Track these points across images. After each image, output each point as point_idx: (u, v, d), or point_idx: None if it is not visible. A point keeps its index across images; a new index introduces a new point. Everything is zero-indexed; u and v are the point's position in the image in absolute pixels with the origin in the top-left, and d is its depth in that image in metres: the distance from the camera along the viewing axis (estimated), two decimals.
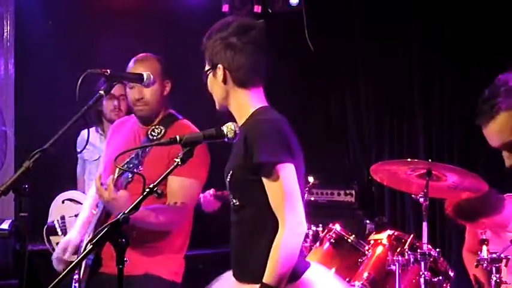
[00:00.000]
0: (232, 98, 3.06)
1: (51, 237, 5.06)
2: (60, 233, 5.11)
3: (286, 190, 2.86)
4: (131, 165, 3.64)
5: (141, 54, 3.79)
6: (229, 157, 3.05)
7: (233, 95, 3.05)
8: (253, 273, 2.89)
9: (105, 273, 3.63)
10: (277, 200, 2.86)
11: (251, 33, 3.12)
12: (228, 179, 2.99)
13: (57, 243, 5.06)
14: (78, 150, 5.07)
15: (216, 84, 3.06)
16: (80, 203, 5.08)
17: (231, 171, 2.98)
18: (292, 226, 2.85)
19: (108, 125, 5.10)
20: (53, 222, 5.12)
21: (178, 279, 3.69)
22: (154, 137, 3.72)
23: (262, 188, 2.88)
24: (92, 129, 5.19)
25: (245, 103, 3.06)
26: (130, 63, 3.76)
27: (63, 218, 5.11)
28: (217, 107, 3.11)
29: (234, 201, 3.00)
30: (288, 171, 2.87)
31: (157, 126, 3.76)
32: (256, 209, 2.93)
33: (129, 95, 3.77)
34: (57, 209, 5.15)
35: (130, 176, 3.61)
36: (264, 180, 2.87)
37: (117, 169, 3.53)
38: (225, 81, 3.03)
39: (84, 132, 5.01)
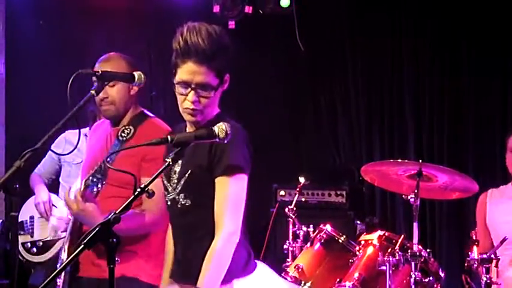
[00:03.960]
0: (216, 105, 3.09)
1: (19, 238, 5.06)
2: (26, 232, 5.10)
3: (238, 198, 2.92)
4: (100, 170, 3.62)
5: (105, 55, 3.74)
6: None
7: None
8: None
9: (84, 278, 3.63)
10: (224, 205, 2.90)
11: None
12: (185, 179, 2.99)
13: (21, 243, 5.07)
14: (57, 150, 4.97)
15: (217, 95, 3.03)
16: (54, 205, 5.08)
17: (189, 171, 2.98)
18: (230, 234, 2.90)
19: None
20: (21, 221, 5.10)
21: (157, 282, 3.63)
22: (124, 138, 3.66)
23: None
24: (76, 133, 5.13)
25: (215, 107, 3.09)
26: (96, 65, 3.69)
27: (32, 218, 5.09)
28: (200, 120, 3.01)
29: (184, 201, 3.00)
30: (245, 182, 2.95)
31: (127, 127, 3.71)
32: (211, 210, 2.94)
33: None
34: (28, 208, 5.13)
35: (99, 184, 3.60)
36: (221, 181, 2.90)
37: (84, 180, 3.55)
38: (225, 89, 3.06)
39: (65, 134, 4.98)
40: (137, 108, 3.77)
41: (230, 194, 2.91)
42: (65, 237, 4.92)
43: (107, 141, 3.75)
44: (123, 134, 3.69)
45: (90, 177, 3.57)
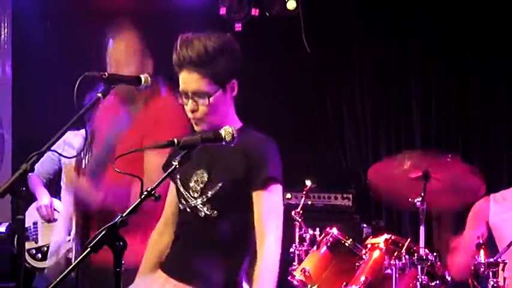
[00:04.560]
0: (230, 115, 3.11)
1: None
2: (30, 239, 5.07)
3: (278, 209, 3.00)
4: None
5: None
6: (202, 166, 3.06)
7: (232, 111, 3.12)
8: (200, 277, 3.00)
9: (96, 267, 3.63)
10: (267, 215, 2.96)
11: (237, 47, 3.11)
12: (215, 190, 3.01)
13: (27, 249, 5.04)
14: (59, 150, 4.97)
15: (225, 101, 3.06)
16: (56, 210, 5.06)
17: (220, 183, 3.00)
18: (278, 238, 2.96)
19: None
20: (25, 227, 5.07)
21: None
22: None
23: (250, 205, 2.96)
24: (76, 134, 5.12)
25: (232, 119, 3.12)
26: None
27: (35, 224, 5.04)
28: (205, 128, 3.03)
29: (210, 212, 3.03)
30: (281, 192, 3.03)
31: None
32: (239, 224, 3.00)
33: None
34: (31, 214, 5.11)
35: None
36: (261, 194, 2.95)
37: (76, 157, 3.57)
38: (235, 95, 3.09)
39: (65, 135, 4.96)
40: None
41: (271, 205, 2.97)
42: (69, 241, 4.94)
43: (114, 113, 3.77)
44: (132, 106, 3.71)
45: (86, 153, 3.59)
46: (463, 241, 4.57)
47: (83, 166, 3.58)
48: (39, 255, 5.00)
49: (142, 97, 3.76)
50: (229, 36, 3.11)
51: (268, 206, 2.96)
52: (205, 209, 3.03)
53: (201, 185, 3.05)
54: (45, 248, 4.99)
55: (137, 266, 3.30)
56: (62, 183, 5.19)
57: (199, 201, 3.05)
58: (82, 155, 3.65)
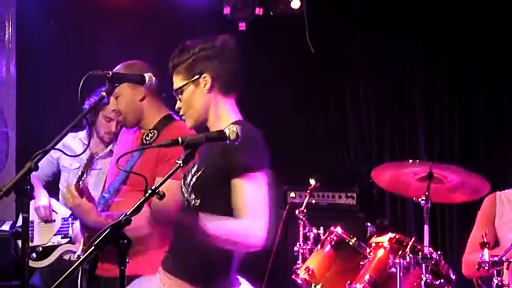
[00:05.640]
0: (214, 108, 3.10)
1: (18, 242, 5.01)
2: None
3: (255, 198, 2.91)
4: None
5: (128, 62, 3.77)
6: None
7: (215, 105, 3.10)
8: (195, 274, 2.98)
9: (101, 277, 3.63)
10: (243, 206, 2.90)
11: (229, 46, 3.12)
12: (196, 177, 3.01)
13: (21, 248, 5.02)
14: (54, 154, 4.97)
15: (198, 95, 3.09)
16: (54, 211, 5.04)
17: (200, 171, 3.00)
18: (260, 229, 2.88)
19: (97, 141, 5.06)
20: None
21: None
22: (148, 141, 3.71)
23: (227, 192, 2.93)
24: (74, 137, 5.11)
25: (225, 114, 3.11)
26: (118, 68, 3.74)
27: (32, 223, 5.02)
28: (190, 124, 3.13)
29: (194, 202, 3.02)
30: (260, 180, 2.93)
31: (151, 130, 3.75)
32: (221, 213, 2.94)
33: (108, 110, 3.77)
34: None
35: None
36: (235, 183, 2.90)
37: (80, 174, 3.57)
38: (210, 89, 3.07)
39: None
40: (163, 111, 3.79)
41: (250, 193, 2.90)
42: (65, 243, 4.94)
43: (132, 144, 3.78)
44: (147, 138, 3.72)
45: (84, 171, 3.59)
46: (472, 239, 4.57)
47: (84, 185, 3.56)
48: (34, 255, 4.96)
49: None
50: (224, 37, 3.13)
51: (246, 195, 2.89)
52: (192, 200, 3.03)
53: (190, 177, 3.06)
54: (40, 248, 4.96)
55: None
56: (60, 185, 5.20)
57: (188, 192, 3.06)
58: (85, 175, 3.65)
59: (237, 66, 3.13)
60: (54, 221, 5.02)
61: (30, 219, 4.95)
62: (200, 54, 3.07)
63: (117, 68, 3.73)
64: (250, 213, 2.89)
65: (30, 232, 5.00)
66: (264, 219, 2.91)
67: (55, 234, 4.99)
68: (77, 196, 3.46)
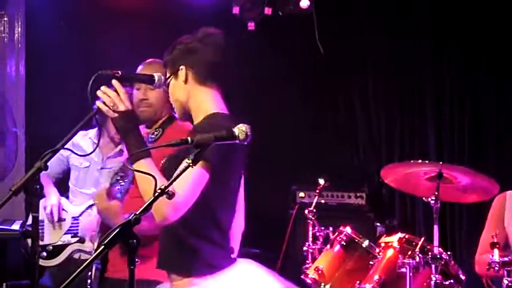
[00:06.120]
0: (193, 99, 3.11)
1: (28, 241, 5.00)
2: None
3: (196, 185, 2.85)
4: (122, 169, 3.65)
5: (149, 60, 3.83)
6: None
7: (193, 94, 3.10)
8: (184, 266, 2.98)
9: (110, 278, 3.63)
10: (182, 182, 2.75)
11: (211, 38, 3.15)
12: (161, 165, 3.04)
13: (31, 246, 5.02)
14: (64, 153, 4.96)
15: (177, 86, 3.12)
16: (64, 209, 5.03)
17: (164, 159, 3.07)
18: (182, 204, 2.82)
19: (107, 140, 5.05)
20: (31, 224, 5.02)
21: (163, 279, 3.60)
22: (153, 139, 3.74)
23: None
24: (84, 135, 5.10)
25: (204, 103, 3.09)
26: (140, 68, 3.80)
27: (42, 221, 5.02)
28: (178, 116, 3.19)
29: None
30: (204, 174, 2.86)
31: (157, 129, 3.81)
32: None
33: (134, 97, 3.80)
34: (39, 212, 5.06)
35: (122, 182, 3.63)
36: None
37: (111, 178, 3.58)
38: (186, 80, 3.09)
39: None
40: (170, 113, 3.82)
41: (190, 177, 2.82)
42: (75, 242, 4.94)
43: None
44: (152, 136, 3.74)
45: (115, 176, 3.60)
46: (483, 239, 4.56)
47: (114, 190, 3.60)
48: (44, 254, 4.97)
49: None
50: (208, 29, 3.17)
51: (187, 177, 2.73)
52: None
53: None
54: (50, 247, 4.97)
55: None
56: (69, 184, 5.19)
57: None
58: (121, 181, 3.67)
59: (217, 59, 3.11)
60: (64, 220, 5.02)
61: (41, 218, 4.98)
62: (182, 48, 3.13)
63: (140, 68, 3.80)
64: (182, 191, 2.79)
65: (40, 231, 5.01)
66: (189, 200, 2.84)
67: (65, 233, 4.99)
68: (105, 199, 3.49)
